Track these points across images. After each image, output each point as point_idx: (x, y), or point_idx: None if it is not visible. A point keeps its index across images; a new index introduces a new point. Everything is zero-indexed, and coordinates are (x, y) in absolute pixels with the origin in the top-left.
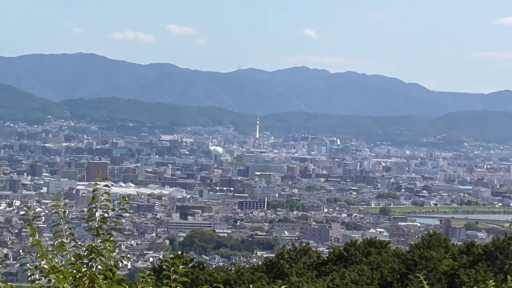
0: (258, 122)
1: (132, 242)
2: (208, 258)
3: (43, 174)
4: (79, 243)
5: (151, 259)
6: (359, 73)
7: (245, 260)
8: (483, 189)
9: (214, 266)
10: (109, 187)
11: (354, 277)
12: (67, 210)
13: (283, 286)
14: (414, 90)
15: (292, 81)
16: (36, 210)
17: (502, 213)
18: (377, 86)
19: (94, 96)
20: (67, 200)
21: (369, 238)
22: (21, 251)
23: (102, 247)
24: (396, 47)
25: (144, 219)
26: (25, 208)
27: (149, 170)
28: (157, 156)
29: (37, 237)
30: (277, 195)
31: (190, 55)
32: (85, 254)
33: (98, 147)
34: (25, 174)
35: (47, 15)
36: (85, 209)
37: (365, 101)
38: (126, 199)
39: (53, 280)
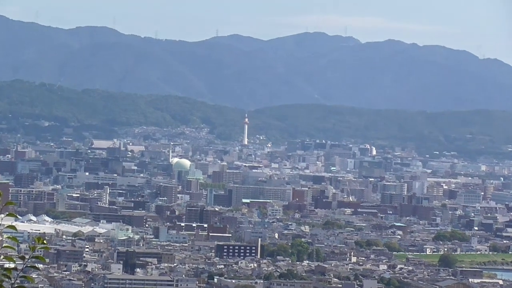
0: (246, 120)
1: None
2: None
3: None
4: None
5: None
6: (406, 42)
7: None
8: None
9: None
10: (13, 221)
11: None
12: None
13: None
14: (493, 71)
15: (299, 55)
16: None
17: None
18: (435, 64)
19: None
20: None
21: None
22: None
23: None
24: (466, 3)
25: (67, 273)
26: None
27: (74, 195)
28: (87, 174)
29: None
30: (276, 235)
31: (139, 14)
32: None
33: None
34: None
35: None
36: None
37: (416, 87)
38: (44, 240)
39: None
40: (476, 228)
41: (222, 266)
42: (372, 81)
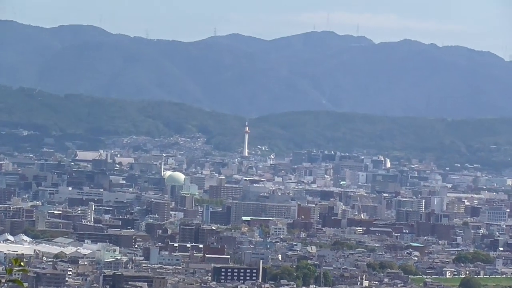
0: (247, 128)
1: None
2: None
3: None
4: None
5: None
6: (424, 43)
7: None
8: None
9: None
10: None
11: None
12: None
13: None
14: None
15: (306, 56)
16: None
17: None
18: (456, 67)
19: None
20: None
21: None
22: None
23: None
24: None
25: None
26: None
27: (56, 212)
28: (70, 189)
29: None
30: (280, 256)
31: (128, 12)
32: None
33: None
34: None
35: None
36: None
37: (435, 92)
38: (21, 263)
39: None
40: (501, 249)
41: None
42: (387, 86)
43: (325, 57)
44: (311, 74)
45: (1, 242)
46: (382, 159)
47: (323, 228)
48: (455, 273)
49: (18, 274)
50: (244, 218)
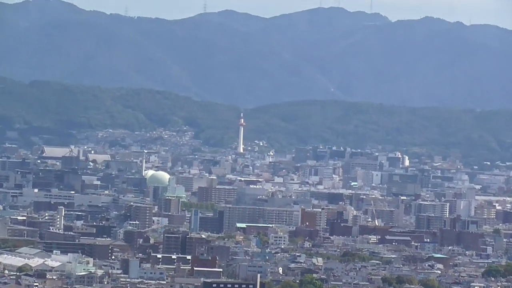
0: (242, 121)
1: None
2: None
3: None
4: None
5: None
6: (448, 21)
7: None
8: None
9: None
10: None
11: None
12: None
13: None
14: None
15: (311, 37)
16: None
17: None
18: (487, 49)
19: None
20: None
21: None
22: None
23: None
24: None
25: None
26: None
27: (19, 218)
28: (36, 191)
29: None
30: (281, 270)
31: None
32: None
33: None
34: None
35: None
36: None
37: (462, 78)
38: None
39: None
40: None
41: None
42: (405, 71)
43: (333, 38)
44: (317, 57)
45: None
46: (400, 156)
47: (331, 237)
48: None
49: None
50: (239, 225)
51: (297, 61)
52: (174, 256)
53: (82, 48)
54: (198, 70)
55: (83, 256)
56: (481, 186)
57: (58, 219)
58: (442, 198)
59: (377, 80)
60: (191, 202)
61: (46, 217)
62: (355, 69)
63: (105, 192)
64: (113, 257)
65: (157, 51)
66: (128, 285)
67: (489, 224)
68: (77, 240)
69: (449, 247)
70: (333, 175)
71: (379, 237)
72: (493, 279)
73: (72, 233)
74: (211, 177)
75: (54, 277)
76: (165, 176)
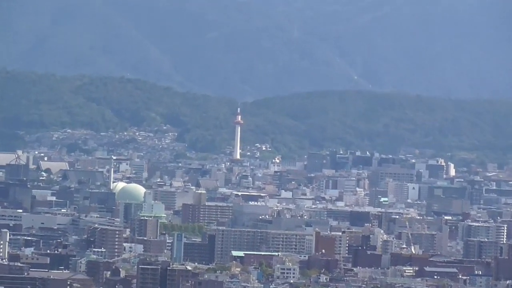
0: (239, 118)
1: None
2: None
3: None
4: None
5: None
6: None
7: None
8: None
9: None
10: None
11: None
12: None
13: None
14: None
15: (327, 9)
16: None
17: None
18: None
19: None
20: None
21: None
22: None
23: None
24: None
25: None
26: None
27: None
28: None
29: None
30: None
31: None
32: None
33: None
34: None
35: None
36: None
37: None
38: None
39: None
40: None
41: None
42: (449, 53)
43: (355, 11)
44: (334, 35)
45: None
46: (443, 163)
47: (354, 268)
48: None
49: None
50: (234, 253)
51: (309, 40)
52: None
53: (33, 26)
54: (181, 53)
55: None
56: None
57: (1, 246)
58: (498, 218)
59: (412, 64)
60: (173, 224)
61: None
62: (383, 50)
63: (62, 210)
64: None
65: (129, 28)
66: None
67: None
68: (25, 273)
69: (507, 282)
70: (357, 189)
71: (417, 268)
72: None
73: (19, 264)
74: (199, 191)
75: None
76: (139, 190)
